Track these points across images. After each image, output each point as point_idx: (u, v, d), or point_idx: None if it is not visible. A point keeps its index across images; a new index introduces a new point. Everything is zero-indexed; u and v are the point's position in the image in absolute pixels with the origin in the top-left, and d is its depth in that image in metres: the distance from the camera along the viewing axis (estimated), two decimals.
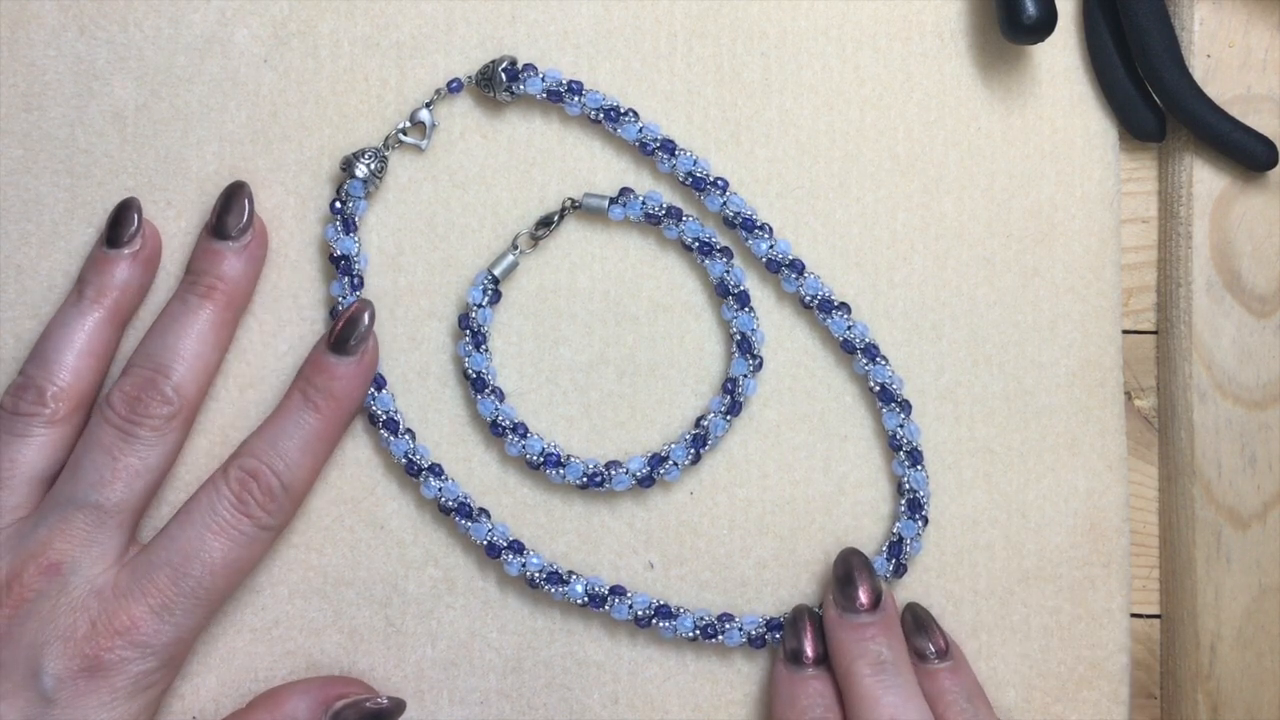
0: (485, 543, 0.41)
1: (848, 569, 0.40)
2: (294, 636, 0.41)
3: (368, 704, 0.39)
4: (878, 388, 0.42)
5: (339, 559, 0.42)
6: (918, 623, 0.41)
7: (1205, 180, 0.43)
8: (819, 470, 0.42)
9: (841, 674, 0.39)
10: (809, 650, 0.40)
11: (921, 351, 0.43)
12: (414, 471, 0.41)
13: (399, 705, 0.39)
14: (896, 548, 0.41)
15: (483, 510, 0.41)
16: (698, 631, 0.41)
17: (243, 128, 0.42)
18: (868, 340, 0.42)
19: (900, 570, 0.41)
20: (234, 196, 0.41)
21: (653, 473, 0.41)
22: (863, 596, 0.39)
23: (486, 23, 0.42)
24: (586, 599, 0.41)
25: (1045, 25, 0.40)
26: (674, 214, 0.42)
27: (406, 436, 0.41)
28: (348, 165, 0.41)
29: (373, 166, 0.41)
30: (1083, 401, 0.43)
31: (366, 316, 0.40)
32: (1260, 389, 0.42)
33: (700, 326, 0.42)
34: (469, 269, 0.42)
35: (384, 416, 0.41)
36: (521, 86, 0.41)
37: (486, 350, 0.42)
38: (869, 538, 0.42)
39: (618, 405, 0.42)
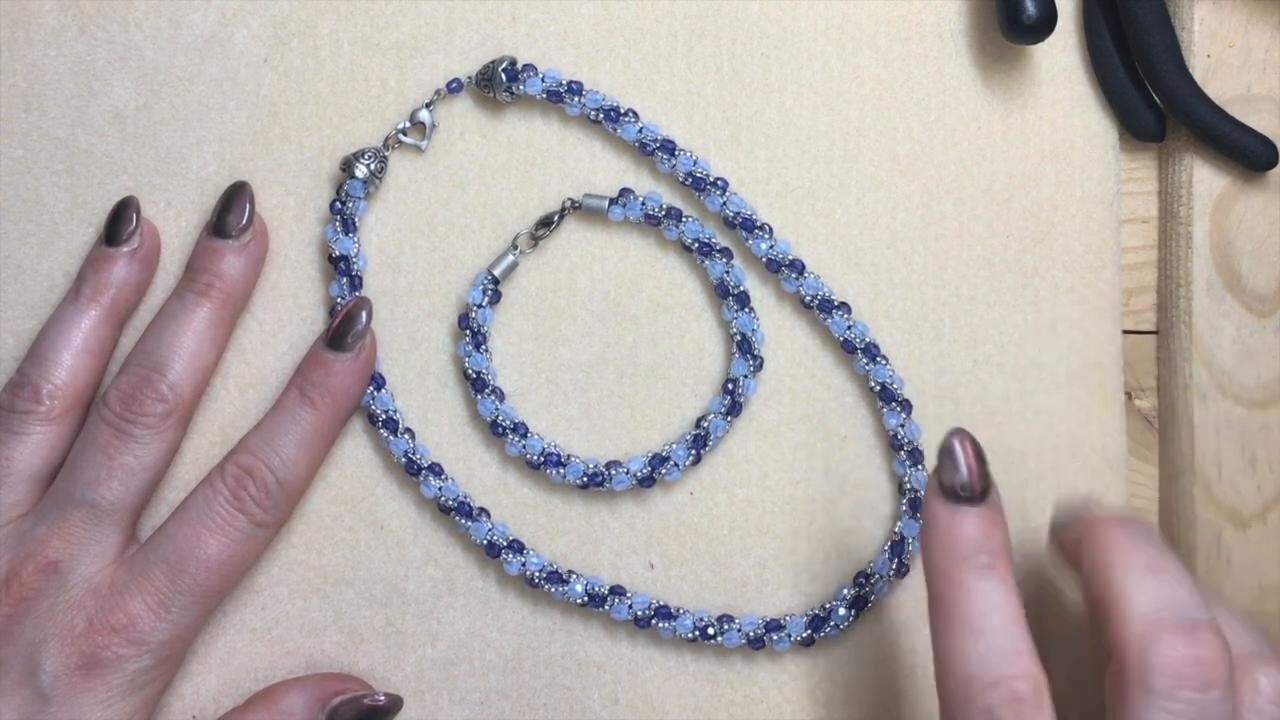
0: (485, 542, 0.41)
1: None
2: (294, 636, 0.41)
3: (365, 700, 0.39)
4: (878, 387, 0.42)
5: (339, 559, 0.42)
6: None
7: (1205, 180, 0.43)
8: (819, 470, 0.42)
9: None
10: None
11: (921, 351, 0.43)
12: (414, 471, 0.41)
13: (396, 702, 0.39)
14: (899, 547, 0.41)
15: (483, 510, 0.41)
16: (697, 632, 0.41)
17: (243, 128, 0.42)
18: (868, 340, 0.42)
19: (903, 570, 0.41)
20: (235, 196, 0.41)
21: (653, 473, 0.41)
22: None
23: (486, 23, 0.42)
24: (586, 599, 0.41)
25: (1045, 25, 0.40)
26: (674, 215, 0.41)
27: (406, 436, 0.41)
28: (347, 165, 0.41)
29: (372, 167, 0.41)
30: (1083, 401, 0.43)
31: (364, 313, 0.40)
32: (1260, 389, 0.42)
33: (700, 326, 0.42)
34: (469, 269, 0.42)
35: (383, 416, 0.41)
36: (521, 87, 0.41)
37: (486, 350, 0.42)
38: (869, 538, 0.42)
39: (618, 405, 0.42)
